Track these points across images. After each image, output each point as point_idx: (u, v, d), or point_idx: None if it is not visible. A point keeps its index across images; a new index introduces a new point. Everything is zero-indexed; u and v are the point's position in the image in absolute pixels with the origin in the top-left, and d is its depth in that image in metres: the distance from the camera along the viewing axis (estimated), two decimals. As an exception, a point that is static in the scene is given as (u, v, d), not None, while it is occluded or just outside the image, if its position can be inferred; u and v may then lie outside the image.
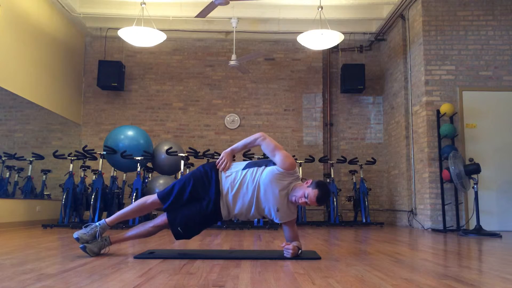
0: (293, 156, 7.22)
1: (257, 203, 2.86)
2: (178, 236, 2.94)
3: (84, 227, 2.92)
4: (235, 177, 2.88)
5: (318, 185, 2.80)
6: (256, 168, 2.91)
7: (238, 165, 2.97)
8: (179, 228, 2.88)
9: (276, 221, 2.91)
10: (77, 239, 2.83)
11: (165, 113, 8.37)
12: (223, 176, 2.89)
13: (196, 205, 2.88)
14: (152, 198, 2.97)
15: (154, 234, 3.06)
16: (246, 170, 2.91)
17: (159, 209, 3.03)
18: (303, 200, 2.77)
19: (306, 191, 2.78)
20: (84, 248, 2.82)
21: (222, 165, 2.92)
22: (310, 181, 2.86)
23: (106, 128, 8.25)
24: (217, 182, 2.88)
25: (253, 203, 2.85)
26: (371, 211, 8.09)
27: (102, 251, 2.95)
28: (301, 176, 3.05)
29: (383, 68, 8.42)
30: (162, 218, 2.95)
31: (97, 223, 2.92)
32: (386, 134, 8.24)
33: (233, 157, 3.02)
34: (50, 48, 7.13)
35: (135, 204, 3.01)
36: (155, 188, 6.52)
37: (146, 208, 2.98)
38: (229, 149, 2.99)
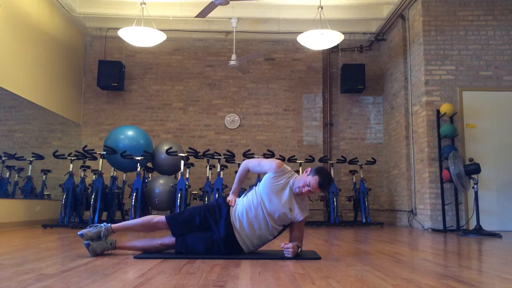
0: (293, 156, 7.22)
1: (270, 216, 2.88)
2: (179, 253, 2.93)
3: (89, 227, 2.96)
4: (241, 205, 2.94)
5: (318, 171, 2.84)
6: (253, 188, 3.02)
7: (240, 198, 3.06)
8: (183, 249, 2.91)
9: (295, 220, 2.92)
10: (81, 235, 2.86)
11: (165, 113, 8.37)
12: (231, 211, 2.94)
13: (207, 232, 2.90)
14: (158, 218, 3.00)
15: (160, 252, 3.05)
16: (246, 195, 3.01)
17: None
18: (306, 188, 2.81)
19: (307, 180, 2.82)
20: (87, 245, 2.84)
21: (232, 203, 2.98)
22: (309, 169, 2.91)
23: (106, 128, 8.25)
24: (228, 216, 2.91)
25: (267, 219, 2.88)
26: (371, 211, 8.09)
27: (104, 253, 2.96)
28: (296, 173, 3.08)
29: (383, 68, 8.42)
30: (171, 239, 2.97)
31: (102, 225, 2.96)
32: (386, 134, 8.24)
33: (237, 196, 3.12)
34: (50, 48, 7.13)
35: (140, 219, 3.05)
36: (155, 188, 6.52)
37: (151, 226, 3.01)
38: (230, 193, 3.10)
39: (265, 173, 2.98)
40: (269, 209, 2.87)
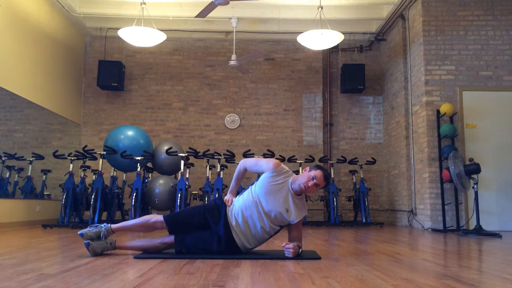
0: (293, 156, 7.22)
1: (267, 215, 2.88)
2: (179, 253, 2.95)
3: (89, 227, 2.96)
4: (237, 204, 2.95)
5: (319, 167, 2.95)
6: (249, 187, 3.02)
7: (237, 196, 3.07)
8: (183, 249, 2.92)
9: (292, 222, 2.93)
10: (81, 234, 2.86)
11: (165, 113, 8.37)
12: (228, 210, 2.95)
13: (206, 231, 2.91)
14: (155, 218, 3.00)
15: (160, 251, 3.07)
16: (242, 194, 3.01)
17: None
18: (312, 182, 2.83)
19: (311, 174, 2.86)
20: (87, 245, 2.85)
21: (229, 203, 2.99)
22: (308, 168, 2.96)
23: (106, 128, 8.25)
24: (226, 217, 2.92)
25: (263, 217, 2.88)
26: (371, 211, 8.09)
27: (104, 253, 2.96)
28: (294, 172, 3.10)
29: (383, 68, 8.42)
30: (171, 238, 2.99)
31: (102, 225, 2.98)
32: (386, 134, 8.24)
33: (235, 195, 3.11)
34: (50, 48, 7.13)
35: (138, 220, 3.06)
36: (155, 188, 6.52)
37: (149, 226, 3.01)
38: (228, 193, 3.10)
39: (262, 173, 2.97)
40: (265, 208, 2.86)
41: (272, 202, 2.86)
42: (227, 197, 3.04)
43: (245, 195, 2.95)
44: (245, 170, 3.07)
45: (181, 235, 2.93)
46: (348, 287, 1.94)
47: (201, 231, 2.92)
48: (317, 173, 2.86)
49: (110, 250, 2.98)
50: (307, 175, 2.87)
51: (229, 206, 2.97)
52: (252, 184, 3.01)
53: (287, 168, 2.98)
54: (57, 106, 7.39)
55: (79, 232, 2.88)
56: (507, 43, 6.54)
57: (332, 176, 7.33)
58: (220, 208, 2.96)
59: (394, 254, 3.18)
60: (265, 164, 2.94)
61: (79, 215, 6.45)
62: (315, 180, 2.83)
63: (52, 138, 7.37)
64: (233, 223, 2.89)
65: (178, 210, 5.91)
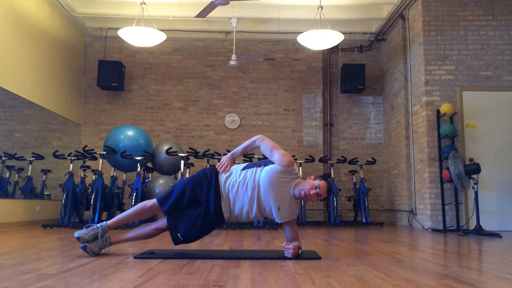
0: (293, 156, 7.22)
1: (258, 203, 2.86)
2: (176, 241, 2.95)
3: (85, 227, 2.92)
4: (236, 178, 2.90)
5: (324, 177, 2.91)
6: (255, 168, 2.93)
7: (238, 167, 2.99)
8: (178, 233, 2.91)
9: (277, 220, 2.91)
10: (78, 238, 2.84)
11: (165, 113, 8.37)
12: (223, 177, 2.92)
13: (196, 209, 2.89)
14: (151, 202, 2.98)
15: (154, 236, 3.08)
16: (245, 170, 2.93)
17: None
18: (315, 191, 2.80)
19: (315, 183, 2.83)
20: (84, 248, 2.83)
21: (222, 168, 2.93)
22: (313, 176, 2.94)
23: (106, 128, 8.25)
24: (217, 184, 2.89)
25: (254, 203, 2.85)
26: (371, 211, 8.09)
27: (102, 251, 2.95)
28: (301, 177, 3.05)
29: (383, 68, 8.42)
30: (163, 221, 2.98)
31: (98, 225, 2.93)
32: (386, 134, 8.24)
33: (233, 161, 3.03)
34: (50, 48, 7.13)
35: (135, 207, 3.02)
36: (155, 188, 6.52)
37: (146, 211, 2.99)
38: (229, 153, 3.02)
39: (271, 160, 2.93)
40: (262, 196, 2.85)
41: (270, 195, 2.84)
42: (225, 160, 2.95)
43: (248, 174, 2.89)
44: (256, 148, 3.00)
45: (173, 217, 2.92)
46: (348, 287, 1.94)
47: (193, 208, 2.89)
48: (322, 183, 2.83)
49: (107, 247, 2.97)
50: (311, 183, 2.84)
51: (222, 172, 2.92)
52: (260, 166, 2.93)
53: (297, 170, 2.94)
54: (57, 106, 7.39)
55: (75, 235, 2.84)
56: (507, 43, 6.54)
57: (332, 176, 7.33)
58: (209, 176, 2.92)
59: (394, 254, 3.18)
60: (279, 158, 2.85)
61: (79, 215, 6.45)
62: (318, 190, 2.80)
63: (52, 138, 7.37)
64: (224, 193, 2.86)
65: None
